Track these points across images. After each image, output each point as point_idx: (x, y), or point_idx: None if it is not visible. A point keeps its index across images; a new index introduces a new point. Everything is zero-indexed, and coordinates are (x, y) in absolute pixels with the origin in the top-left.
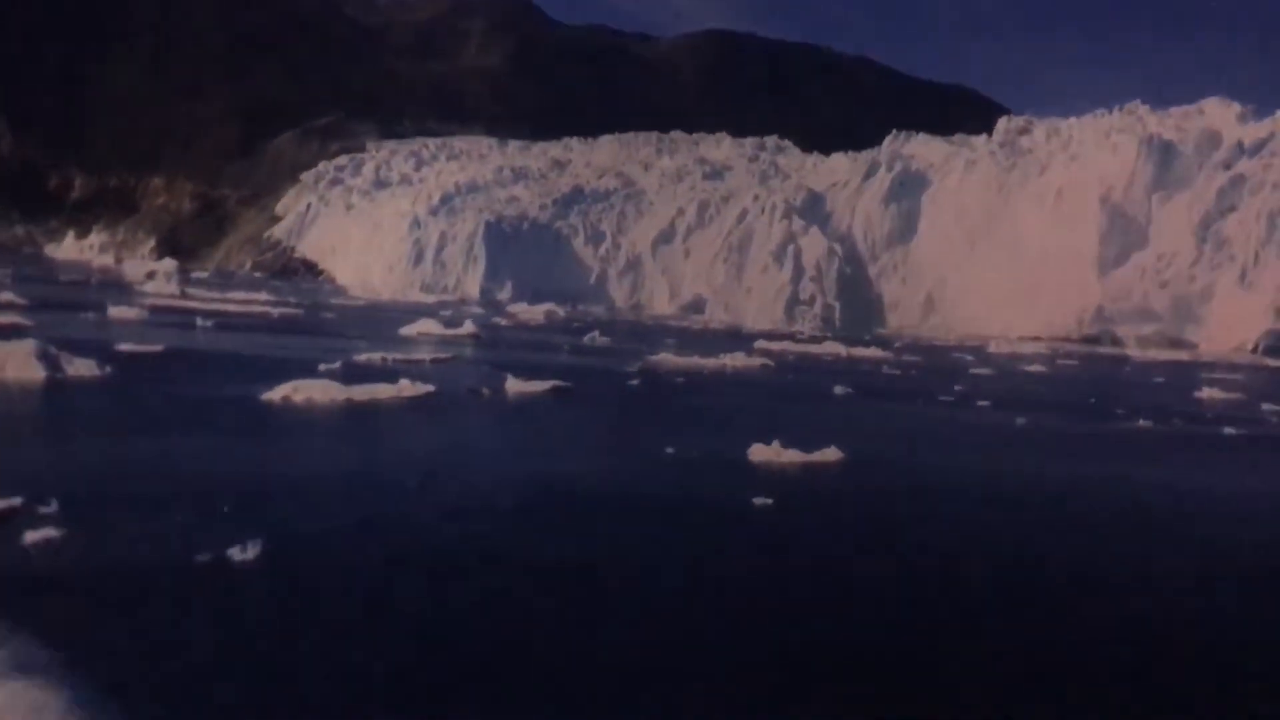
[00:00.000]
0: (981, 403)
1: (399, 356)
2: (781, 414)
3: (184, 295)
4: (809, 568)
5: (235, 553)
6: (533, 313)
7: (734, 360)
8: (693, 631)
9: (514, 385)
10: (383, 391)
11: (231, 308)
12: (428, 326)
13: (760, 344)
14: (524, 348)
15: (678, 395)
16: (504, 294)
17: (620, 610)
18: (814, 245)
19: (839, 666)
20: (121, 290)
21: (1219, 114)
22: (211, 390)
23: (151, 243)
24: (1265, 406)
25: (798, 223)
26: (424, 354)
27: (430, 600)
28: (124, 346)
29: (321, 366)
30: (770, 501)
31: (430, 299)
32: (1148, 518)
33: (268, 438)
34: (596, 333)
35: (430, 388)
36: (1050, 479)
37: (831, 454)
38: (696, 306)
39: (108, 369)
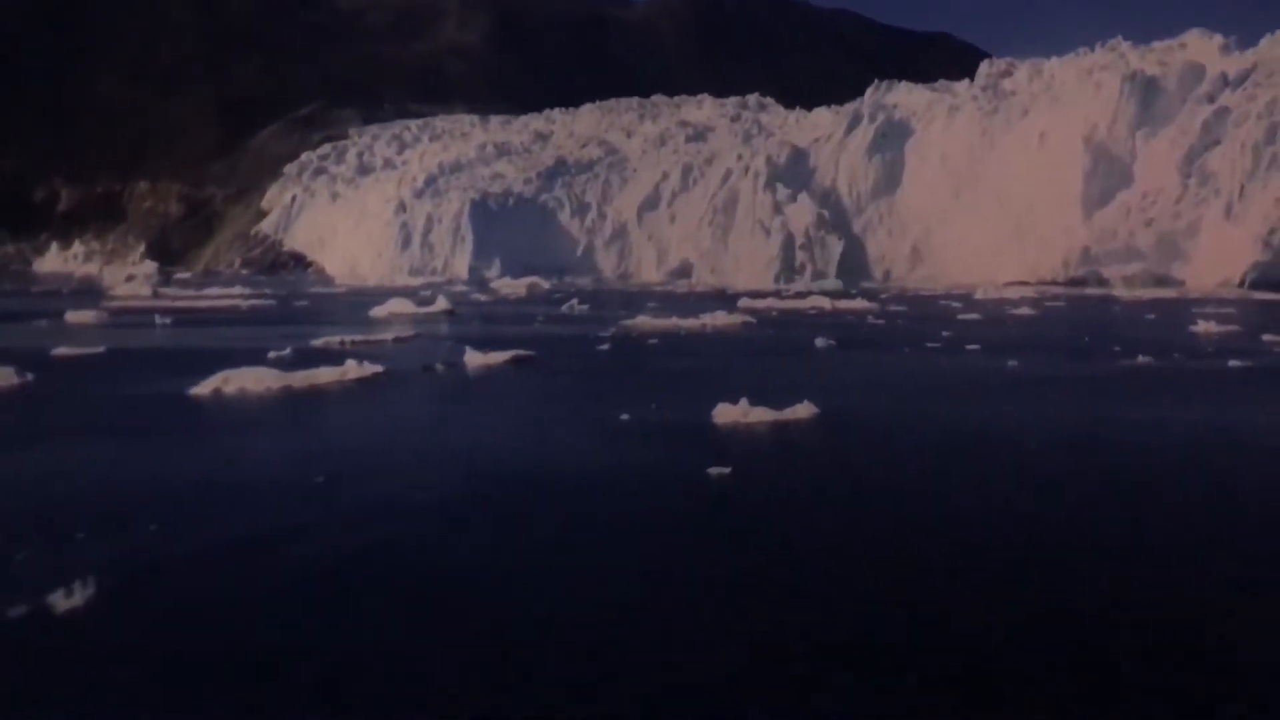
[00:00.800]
0: (970, 347)
1: (360, 338)
2: (757, 370)
3: (155, 295)
4: (768, 551)
5: (59, 599)
6: (515, 286)
7: (715, 319)
8: (617, 647)
9: (473, 358)
10: (324, 376)
11: (201, 304)
12: (400, 306)
13: (744, 302)
14: (497, 320)
15: (648, 357)
16: (493, 272)
17: (532, 628)
18: (799, 205)
19: (789, 664)
20: (91, 296)
21: (1201, 46)
22: (137, 388)
23: (141, 248)
24: (1266, 338)
25: (781, 184)
26: (388, 333)
27: (302, 642)
28: (60, 350)
29: (271, 354)
30: (728, 471)
31: (417, 281)
32: (1173, 462)
33: (174, 438)
34: (575, 301)
35: (379, 368)
36: (1053, 424)
37: (804, 410)
38: (684, 272)
39: (29, 375)
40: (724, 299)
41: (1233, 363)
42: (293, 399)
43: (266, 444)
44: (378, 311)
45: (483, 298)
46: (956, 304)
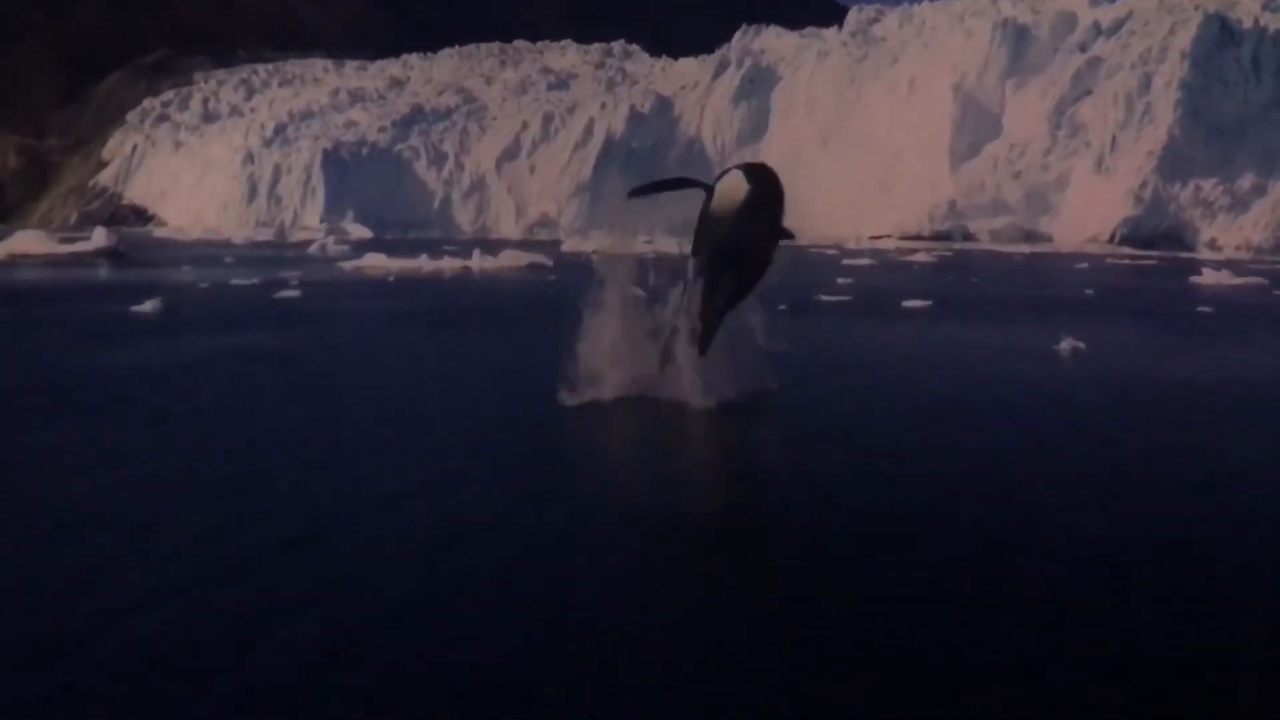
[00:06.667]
0: (911, 304)
1: None
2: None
3: None
4: None
5: None
6: (312, 232)
7: (492, 262)
8: None
9: None
10: None
11: None
12: (31, 243)
13: (567, 245)
14: (164, 265)
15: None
16: (346, 225)
17: None
18: (661, 154)
19: None
20: None
21: None
22: None
23: None
24: None
25: (645, 130)
26: None
27: None
28: None
29: None
30: None
31: (257, 235)
32: None
33: None
34: (330, 240)
35: None
36: None
37: None
38: (544, 225)
39: None
40: (551, 246)
41: None
42: None
43: None
44: None
45: (236, 240)
46: (831, 252)
